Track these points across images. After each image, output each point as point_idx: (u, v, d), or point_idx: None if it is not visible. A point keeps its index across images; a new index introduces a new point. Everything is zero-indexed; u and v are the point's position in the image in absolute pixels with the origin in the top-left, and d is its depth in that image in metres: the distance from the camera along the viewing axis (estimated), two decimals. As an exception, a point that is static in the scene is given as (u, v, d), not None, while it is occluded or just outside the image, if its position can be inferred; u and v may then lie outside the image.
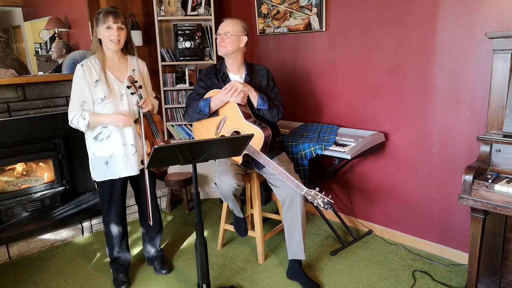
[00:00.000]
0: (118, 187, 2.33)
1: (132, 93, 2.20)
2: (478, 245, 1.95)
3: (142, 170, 2.33)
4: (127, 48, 2.31)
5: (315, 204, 2.11)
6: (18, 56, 3.26)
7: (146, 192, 2.32)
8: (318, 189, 2.12)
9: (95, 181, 2.34)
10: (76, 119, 2.15)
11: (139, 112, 2.20)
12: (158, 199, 3.51)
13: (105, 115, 2.18)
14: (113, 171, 2.27)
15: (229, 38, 2.41)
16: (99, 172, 2.28)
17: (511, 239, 2.03)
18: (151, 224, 2.41)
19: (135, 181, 2.42)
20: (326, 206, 2.06)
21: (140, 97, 2.19)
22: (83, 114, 2.14)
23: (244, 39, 2.46)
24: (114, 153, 2.24)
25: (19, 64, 3.19)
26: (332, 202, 2.07)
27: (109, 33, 2.14)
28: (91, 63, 2.19)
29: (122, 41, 2.20)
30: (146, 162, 2.25)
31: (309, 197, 2.12)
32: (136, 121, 2.25)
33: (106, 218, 2.39)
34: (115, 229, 2.39)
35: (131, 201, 3.14)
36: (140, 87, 2.22)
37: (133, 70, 2.32)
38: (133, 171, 2.29)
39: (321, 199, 2.07)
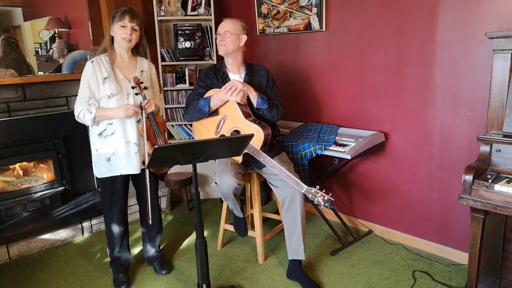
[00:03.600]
0: (119, 185, 2.33)
1: (136, 94, 2.21)
2: (478, 245, 1.95)
3: (144, 170, 2.34)
4: (137, 50, 2.35)
5: (315, 202, 2.10)
6: (23, 55, 3.26)
7: (146, 191, 2.33)
8: (318, 187, 2.12)
9: (96, 177, 2.35)
10: (83, 114, 2.18)
11: (141, 112, 2.21)
12: (158, 199, 3.51)
13: (111, 109, 2.20)
14: (114, 168, 2.28)
15: (229, 37, 2.42)
16: (101, 169, 2.30)
17: (511, 239, 2.03)
18: (150, 223, 2.42)
19: (137, 180, 2.42)
20: (326, 204, 2.05)
21: (144, 98, 2.20)
22: (90, 108, 2.17)
23: (244, 38, 2.47)
24: (117, 151, 2.26)
25: (24, 64, 3.20)
26: (333, 200, 2.07)
27: (123, 31, 2.19)
28: (101, 60, 2.22)
29: (133, 42, 2.25)
30: (147, 163, 2.25)
31: (310, 195, 2.12)
32: (139, 121, 2.26)
33: (108, 217, 2.39)
34: (116, 228, 2.39)
35: (131, 201, 3.14)
36: (145, 88, 2.24)
37: (142, 71, 2.34)
38: (134, 169, 2.30)
39: (322, 197, 2.07)
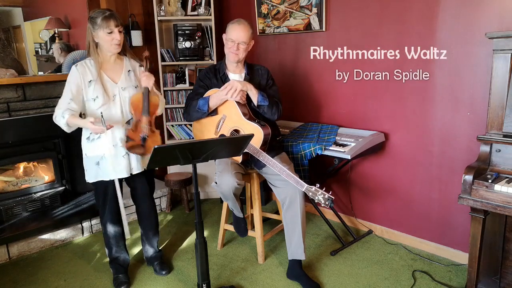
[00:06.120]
0: (111, 188, 2.31)
1: (140, 65, 2.26)
2: (478, 245, 1.95)
3: (142, 172, 2.34)
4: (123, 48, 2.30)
5: (315, 201, 2.10)
6: (17, 56, 3.25)
7: (118, 198, 2.30)
8: (318, 185, 2.11)
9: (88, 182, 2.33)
10: (59, 117, 2.11)
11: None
12: (158, 199, 3.52)
13: (83, 120, 2.09)
14: (103, 173, 2.25)
15: (243, 47, 2.44)
16: (91, 173, 2.28)
17: (511, 239, 2.03)
18: (127, 238, 2.44)
19: (132, 182, 2.41)
20: (327, 203, 2.05)
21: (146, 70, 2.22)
22: (64, 113, 2.09)
23: (252, 43, 2.50)
24: (105, 154, 2.22)
25: (18, 64, 3.19)
26: (333, 198, 2.06)
27: (112, 37, 2.13)
28: (87, 64, 2.19)
29: (122, 43, 2.21)
30: (124, 143, 2.20)
31: (310, 194, 2.12)
32: (128, 123, 2.25)
33: (103, 219, 2.40)
34: (111, 229, 2.39)
35: (131, 201, 3.14)
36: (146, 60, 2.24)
37: (129, 71, 2.30)
38: (122, 173, 2.26)
39: (322, 196, 2.07)
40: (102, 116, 2.05)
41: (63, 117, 2.09)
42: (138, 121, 2.20)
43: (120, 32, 2.16)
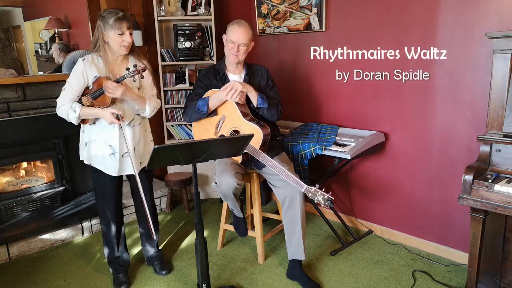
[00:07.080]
0: (108, 184, 2.31)
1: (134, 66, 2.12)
2: (478, 245, 1.95)
3: (142, 169, 2.34)
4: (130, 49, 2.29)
5: (315, 201, 2.10)
6: (17, 56, 3.25)
7: (141, 197, 2.26)
8: (318, 186, 2.11)
9: (81, 160, 2.34)
10: (66, 111, 2.12)
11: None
12: (158, 199, 3.52)
13: (98, 110, 2.13)
14: (94, 161, 2.26)
15: (244, 49, 2.44)
16: (82, 153, 2.30)
17: (511, 239, 2.03)
18: (155, 239, 2.51)
19: (131, 181, 2.41)
20: (326, 203, 2.05)
21: (129, 69, 2.11)
22: (73, 106, 2.10)
23: (252, 44, 2.50)
24: (95, 140, 2.23)
25: (18, 64, 3.19)
26: (333, 198, 2.06)
27: (122, 38, 2.12)
28: (94, 59, 2.17)
29: (130, 46, 2.19)
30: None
31: (309, 194, 2.12)
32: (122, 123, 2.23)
33: (102, 217, 2.40)
34: (112, 229, 2.39)
35: (131, 201, 3.14)
36: (139, 72, 2.12)
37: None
38: (111, 171, 2.26)
39: (321, 196, 2.07)
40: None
41: (74, 111, 2.11)
42: (88, 90, 2.17)
43: (130, 34, 2.15)
